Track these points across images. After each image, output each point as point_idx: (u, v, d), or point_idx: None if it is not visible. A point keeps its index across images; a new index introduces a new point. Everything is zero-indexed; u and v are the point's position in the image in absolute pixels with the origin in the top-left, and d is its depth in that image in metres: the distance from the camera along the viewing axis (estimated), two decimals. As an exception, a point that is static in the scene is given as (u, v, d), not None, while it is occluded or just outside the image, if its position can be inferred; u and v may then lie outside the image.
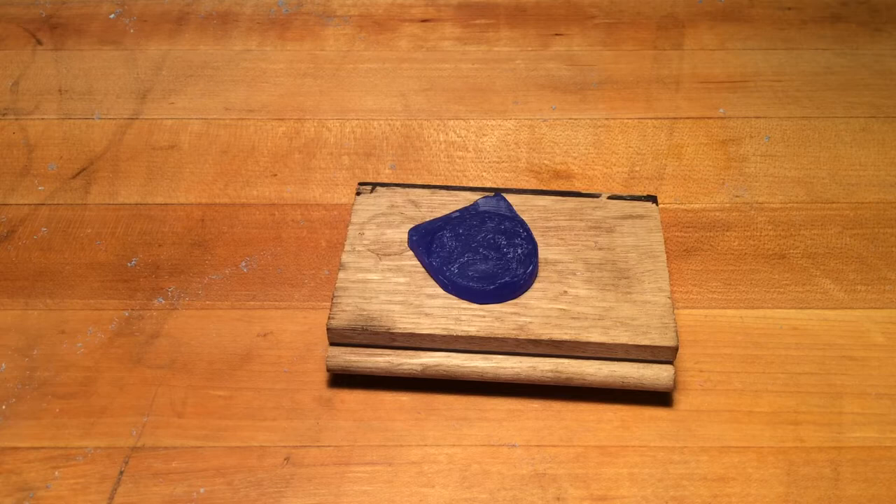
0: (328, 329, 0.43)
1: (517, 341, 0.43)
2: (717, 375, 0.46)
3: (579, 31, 0.67)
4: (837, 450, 0.43)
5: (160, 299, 0.49)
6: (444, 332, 0.43)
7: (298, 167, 0.57)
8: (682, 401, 0.45)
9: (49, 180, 0.56)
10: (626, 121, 0.60)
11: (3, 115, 0.60)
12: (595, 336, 0.43)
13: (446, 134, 0.59)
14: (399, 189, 0.50)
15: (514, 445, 0.43)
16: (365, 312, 0.44)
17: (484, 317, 0.44)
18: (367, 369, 0.44)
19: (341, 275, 0.46)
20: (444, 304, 0.44)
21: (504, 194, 0.49)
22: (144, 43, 0.66)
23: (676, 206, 0.54)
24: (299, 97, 0.62)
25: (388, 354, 0.44)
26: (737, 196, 0.55)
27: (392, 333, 0.43)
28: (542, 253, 0.47)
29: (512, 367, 0.44)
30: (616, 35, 0.67)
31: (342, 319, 0.44)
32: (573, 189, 0.55)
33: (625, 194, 0.50)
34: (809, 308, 0.49)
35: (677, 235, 0.53)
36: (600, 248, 0.47)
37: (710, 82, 0.63)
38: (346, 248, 0.47)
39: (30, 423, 0.44)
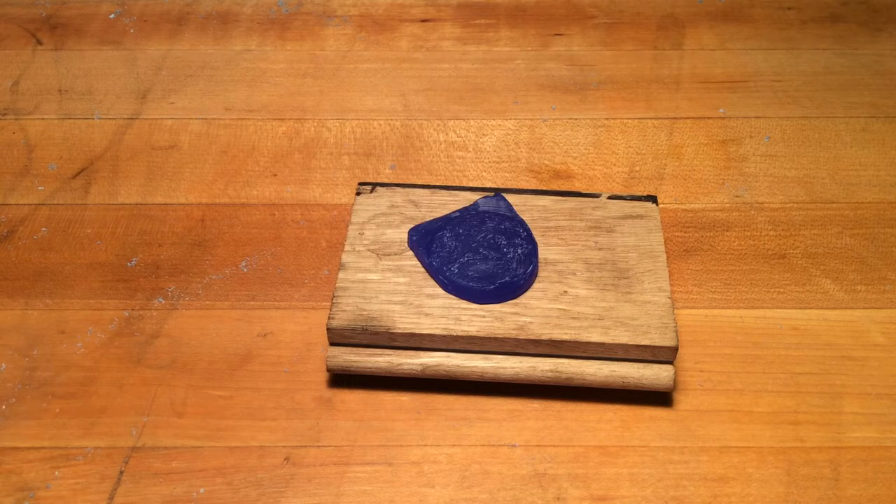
0: (328, 329, 0.43)
1: (517, 341, 0.43)
2: (717, 375, 0.46)
3: (579, 31, 0.67)
4: (837, 450, 0.43)
5: (160, 299, 0.49)
6: (444, 332, 0.43)
7: (298, 167, 0.57)
8: (682, 401, 0.45)
9: (49, 180, 0.56)
10: (626, 121, 0.60)
11: (3, 115, 0.60)
12: (595, 336, 0.43)
13: (446, 134, 0.59)
14: (399, 189, 0.50)
15: (514, 445, 0.43)
16: (365, 312, 0.44)
17: (484, 317, 0.44)
18: (367, 369, 0.44)
19: (341, 275, 0.46)
20: (444, 304, 0.44)
21: (504, 194, 0.49)
22: (144, 43, 0.66)
23: (676, 206, 0.54)
24: (299, 97, 0.62)
25: (388, 354, 0.44)
26: (737, 196, 0.55)
27: (392, 333, 0.43)
28: (542, 253, 0.47)
29: (512, 367, 0.44)
30: (616, 35, 0.67)
31: (342, 319, 0.44)
32: (573, 189, 0.55)
33: (625, 194, 0.50)
34: (809, 308, 0.49)
35: (677, 235, 0.53)
36: (600, 248, 0.47)
37: (710, 82, 0.63)
38: (346, 248, 0.47)
39: (30, 423, 0.44)
